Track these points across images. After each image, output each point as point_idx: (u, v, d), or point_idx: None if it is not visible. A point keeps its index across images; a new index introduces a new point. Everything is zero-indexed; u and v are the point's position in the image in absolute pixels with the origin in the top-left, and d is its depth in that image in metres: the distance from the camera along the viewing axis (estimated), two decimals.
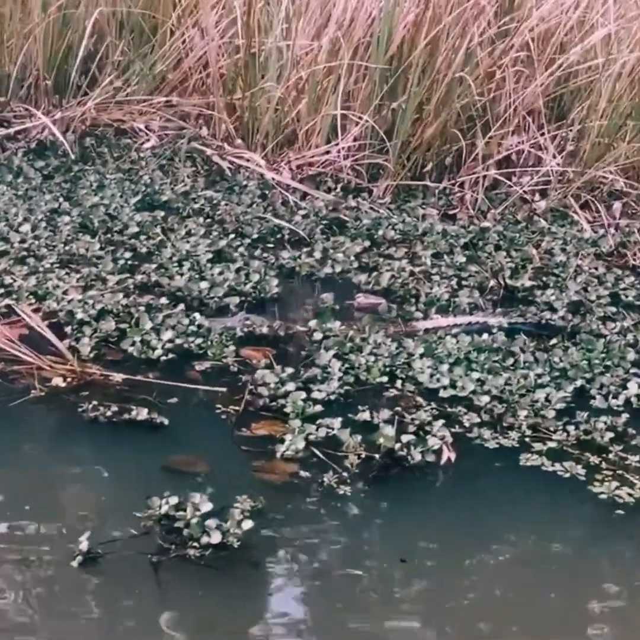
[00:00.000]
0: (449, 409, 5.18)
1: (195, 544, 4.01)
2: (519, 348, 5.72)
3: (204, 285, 6.00)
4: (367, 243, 6.95)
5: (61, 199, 7.03)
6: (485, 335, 5.76)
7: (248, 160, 7.98)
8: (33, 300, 5.63)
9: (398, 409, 5.09)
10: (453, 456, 4.71)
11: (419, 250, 6.94)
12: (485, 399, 5.25)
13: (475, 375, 5.42)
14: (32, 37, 8.39)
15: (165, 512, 4.10)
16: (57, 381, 4.94)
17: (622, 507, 4.58)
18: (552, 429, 5.08)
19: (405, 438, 4.77)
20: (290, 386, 5.08)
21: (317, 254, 6.70)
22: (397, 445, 4.73)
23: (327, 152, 8.08)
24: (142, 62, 8.40)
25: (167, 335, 5.41)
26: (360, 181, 7.96)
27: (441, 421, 5.00)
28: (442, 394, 5.28)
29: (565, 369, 5.55)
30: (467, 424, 5.05)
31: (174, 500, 4.13)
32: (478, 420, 5.11)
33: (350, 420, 4.94)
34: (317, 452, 4.67)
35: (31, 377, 4.94)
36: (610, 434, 5.04)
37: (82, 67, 8.33)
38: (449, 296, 6.31)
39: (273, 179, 7.73)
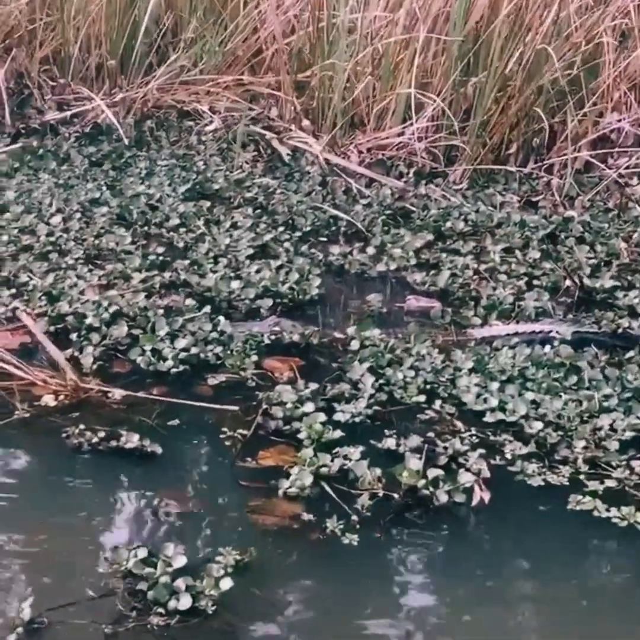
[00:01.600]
0: (491, 437, 4.42)
1: (161, 609, 3.35)
2: (587, 363, 4.90)
3: (235, 285, 5.34)
4: (430, 236, 6.17)
5: (104, 188, 6.46)
6: (547, 347, 4.93)
7: (311, 145, 7.24)
8: (44, 302, 5.03)
9: (431, 435, 4.35)
10: (487, 496, 3.96)
11: (488, 245, 6.14)
12: (538, 425, 4.46)
13: (530, 396, 4.63)
14: (96, 15, 7.81)
15: (130, 568, 3.45)
16: (48, 399, 4.36)
17: None
18: (613, 464, 4.26)
19: (432, 473, 4.02)
20: (309, 407, 4.36)
21: (371, 250, 5.97)
22: (422, 482, 3.97)
23: (401, 134, 7.31)
24: (212, 39, 7.72)
25: (182, 343, 4.76)
26: (436, 165, 7.18)
27: (479, 451, 4.24)
28: (488, 417, 4.52)
29: (639, 390, 4.69)
30: (509, 456, 4.27)
31: (143, 552, 3.47)
32: (525, 451, 4.32)
33: (373, 449, 4.22)
34: (327, 489, 3.97)
35: (19, 394, 4.33)
36: None
37: (148, 46, 7.69)
38: (514, 299, 5.49)
39: (337, 164, 7.00)
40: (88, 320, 4.90)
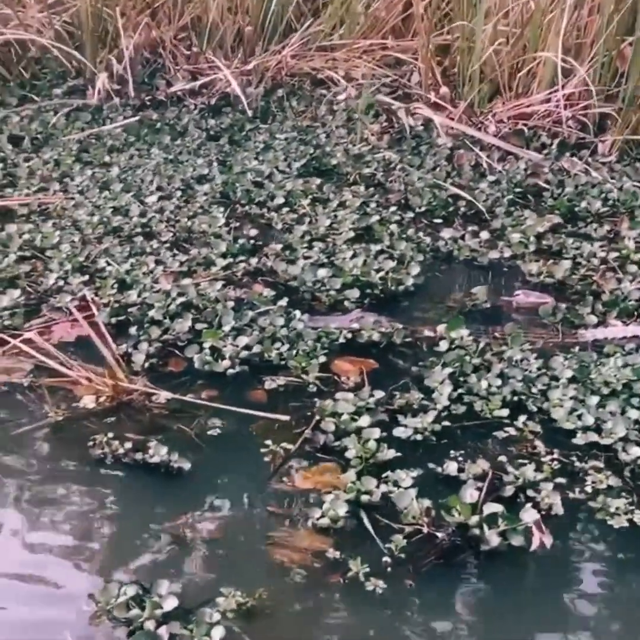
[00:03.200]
0: (577, 463, 3.72)
1: None
2: None
3: (322, 273, 4.78)
4: (558, 219, 5.44)
5: (214, 164, 6.03)
6: None
7: (434, 116, 6.58)
8: (114, 291, 4.63)
9: (503, 458, 3.68)
10: (548, 541, 3.30)
11: (625, 229, 5.34)
12: (636, 451, 3.73)
13: (634, 414, 3.90)
14: None
15: (115, 608, 3.00)
16: (87, 401, 3.96)
17: None
18: None
19: (489, 508, 3.37)
20: (365, 420, 3.79)
21: (486, 234, 5.27)
22: (475, 519, 3.33)
23: (546, 101, 6.53)
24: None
25: (244, 340, 4.26)
26: (584, 135, 6.37)
27: (557, 481, 3.55)
28: (578, 439, 3.81)
29: None
30: (590, 489, 3.55)
31: (132, 590, 3.02)
32: (613, 482, 3.60)
33: (431, 474, 3.61)
34: (366, 522, 3.38)
35: (60, 394, 3.96)
36: None
37: (285, 10, 7.17)
38: None
39: (471, 136, 6.31)
40: (151, 313, 4.46)
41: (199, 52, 7.44)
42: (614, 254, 5.11)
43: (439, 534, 3.32)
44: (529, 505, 3.45)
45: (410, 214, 5.55)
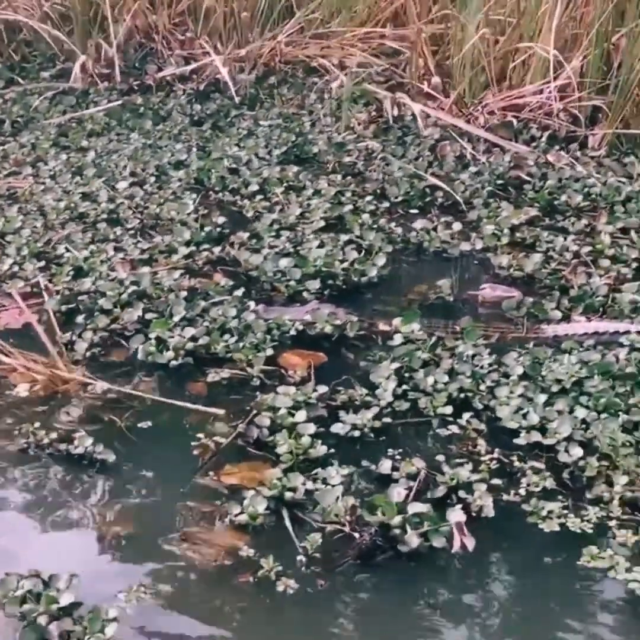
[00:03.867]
0: (516, 464, 3.58)
1: None
2: None
3: (284, 263, 4.68)
4: (535, 211, 5.30)
5: (194, 150, 5.94)
6: (623, 353, 4.03)
7: (431, 106, 6.45)
8: (69, 278, 4.56)
9: (441, 457, 3.56)
10: (470, 543, 3.17)
11: (602, 223, 5.18)
12: (578, 452, 3.60)
13: (581, 413, 3.76)
14: None
15: (9, 602, 2.93)
16: (21, 389, 3.89)
17: None
18: None
19: (414, 508, 3.25)
20: (301, 415, 3.68)
21: (459, 225, 5.14)
22: (398, 520, 3.22)
23: (539, 92, 6.37)
24: None
25: (190, 331, 4.16)
26: (575, 128, 6.21)
27: (492, 483, 3.43)
28: (521, 438, 3.68)
29: None
30: (525, 491, 3.43)
31: (30, 583, 2.94)
32: (549, 484, 3.47)
33: (364, 472, 3.50)
34: (286, 519, 3.28)
35: None
36: None
37: None
38: (608, 290, 4.56)
39: (457, 127, 6.18)
40: (101, 301, 4.38)
41: (193, 37, 7.35)
42: (588, 249, 4.98)
43: (359, 534, 3.19)
44: (457, 506, 3.31)
45: (386, 204, 5.44)
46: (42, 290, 4.50)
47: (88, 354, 4.10)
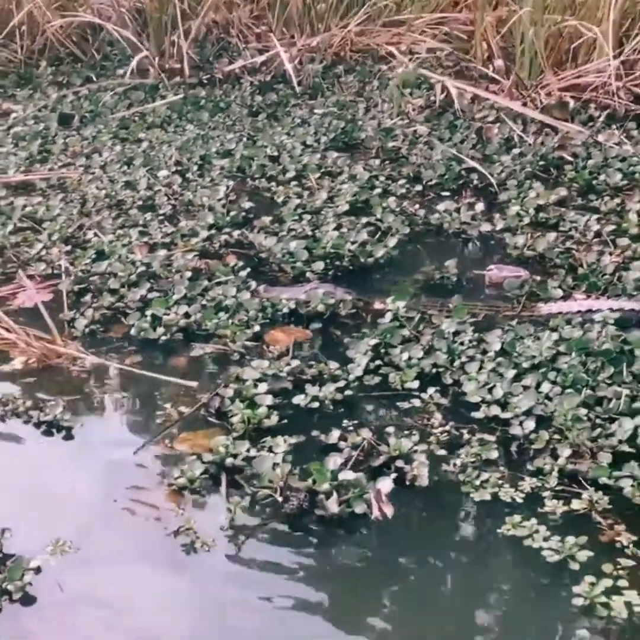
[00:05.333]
0: (465, 436, 3.68)
1: None
2: None
3: (294, 245, 4.88)
4: (564, 192, 5.31)
5: (245, 139, 6.19)
6: (596, 329, 4.06)
7: (492, 90, 6.52)
8: (88, 261, 4.89)
9: (390, 429, 3.70)
10: (389, 510, 3.30)
11: (633, 202, 5.17)
12: (531, 425, 3.67)
13: (546, 388, 3.82)
14: None
15: None
16: (16, 362, 4.22)
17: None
18: (601, 482, 3.41)
19: (344, 476, 3.41)
20: (262, 387, 3.88)
21: (481, 206, 5.22)
22: (325, 486, 3.38)
23: (600, 72, 6.36)
24: None
25: (183, 309, 4.42)
26: (636, 107, 6.18)
27: (437, 454, 3.57)
28: (480, 412, 3.78)
29: None
30: (464, 462, 3.53)
31: None
32: (493, 456, 3.56)
33: (312, 442, 3.67)
34: (223, 484, 3.49)
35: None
36: None
37: None
38: (615, 269, 4.58)
39: (511, 109, 6.24)
40: (110, 281, 4.68)
41: (268, 30, 7.61)
42: (611, 228, 4.96)
43: (287, 499, 3.36)
44: (392, 476, 3.44)
45: (419, 187, 5.56)
46: (62, 273, 4.81)
47: (87, 330, 4.39)
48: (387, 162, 5.82)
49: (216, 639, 2.97)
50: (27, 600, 3.08)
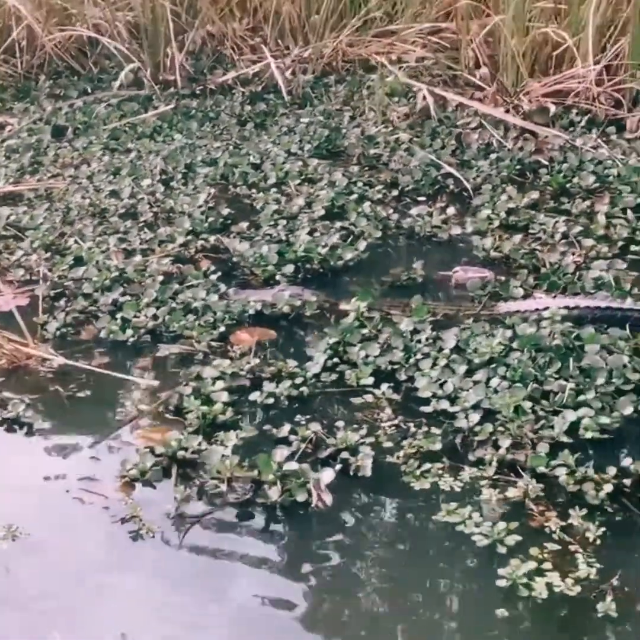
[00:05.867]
0: (412, 429, 3.84)
1: None
2: (600, 347, 4.11)
3: (265, 249, 5.05)
4: (537, 195, 5.47)
5: (230, 148, 6.39)
6: (548, 327, 4.20)
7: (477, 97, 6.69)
8: (66, 267, 5.09)
9: (340, 423, 3.86)
10: (328, 499, 3.46)
11: (602, 204, 5.30)
12: (476, 418, 3.82)
13: (494, 383, 3.97)
14: None
15: None
16: None
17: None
18: (538, 471, 3.56)
19: (288, 467, 3.58)
20: (219, 385, 4.06)
21: (452, 210, 5.39)
22: (270, 477, 3.55)
23: (581, 77, 6.51)
24: None
25: (152, 311, 4.60)
26: (617, 112, 6.33)
27: (382, 446, 3.74)
28: (429, 407, 3.93)
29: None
30: (408, 453, 3.69)
31: None
32: (437, 447, 3.71)
33: (263, 436, 3.84)
34: (173, 476, 3.67)
35: None
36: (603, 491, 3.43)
37: None
38: (576, 268, 4.72)
39: (492, 116, 6.40)
40: (84, 286, 4.87)
41: (262, 42, 7.81)
42: (578, 229, 5.09)
43: (232, 488, 3.53)
44: (337, 466, 3.60)
45: (395, 193, 5.71)
46: (39, 279, 5.00)
47: (59, 333, 4.57)
48: (366, 168, 5.99)
49: (150, 620, 3.11)
50: None
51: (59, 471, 3.74)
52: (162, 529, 3.44)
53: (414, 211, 5.42)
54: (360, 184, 5.78)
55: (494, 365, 4.05)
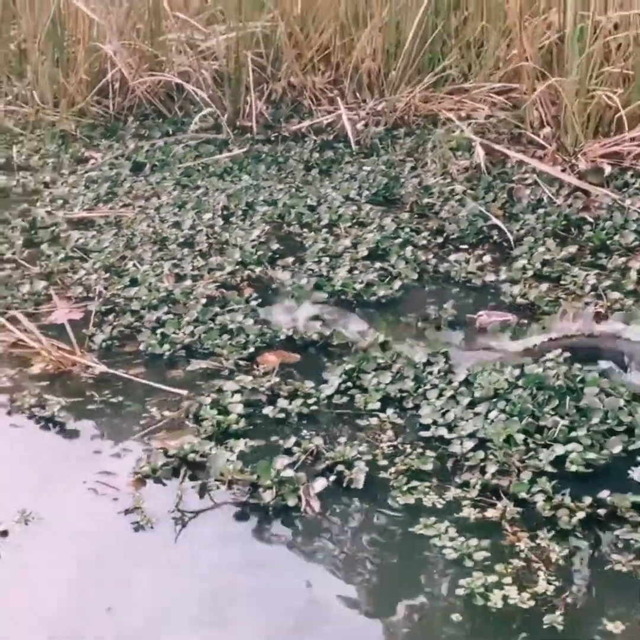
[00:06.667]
0: (408, 450, 4.11)
1: None
2: (599, 388, 4.33)
3: (304, 280, 5.41)
4: (574, 249, 5.75)
5: (292, 190, 6.77)
6: (554, 368, 4.44)
7: (538, 155, 6.98)
8: (121, 286, 5.51)
9: (342, 439, 4.16)
10: (316, 505, 3.75)
11: (638, 261, 5.53)
12: (469, 445, 4.08)
13: (493, 415, 4.23)
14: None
15: None
16: (36, 368, 4.82)
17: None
18: (519, 496, 3.80)
19: (285, 473, 3.88)
20: (237, 397, 4.40)
21: (488, 258, 5.66)
22: (267, 482, 3.86)
23: (637, 139, 6.76)
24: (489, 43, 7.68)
25: (189, 329, 4.98)
26: None
27: (377, 463, 4.02)
28: (428, 432, 4.21)
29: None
30: (399, 471, 3.96)
31: None
32: (427, 467, 3.98)
33: (270, 446, 4.16)
34: (181, 475, 4.01)
35: (21, 360, 4.86)
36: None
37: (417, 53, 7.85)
38: (593, 317, 4.96)
39: (546, 173, 6.67)
40: (133, 304, 5.27)
41: (340, 94, 8.24)
42: (608, 283, 5.32)
43: (231, 489, 3.84)
44: (327, 477, 3.88)
45: (440, 240, 6.00)
46: (95, 296, 5.42)
47: (104, 345, 4.95)
48: (416, 216, 6.29)
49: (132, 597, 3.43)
50: None
51: (81, 465, 4.09)
52: (160, 521, 3.75)
53: (452, 257, 5.69)
54: (407, 229, 6.08)
55: (495, 400, 4.28)
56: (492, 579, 3.40)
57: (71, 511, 3.84)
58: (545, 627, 3.22)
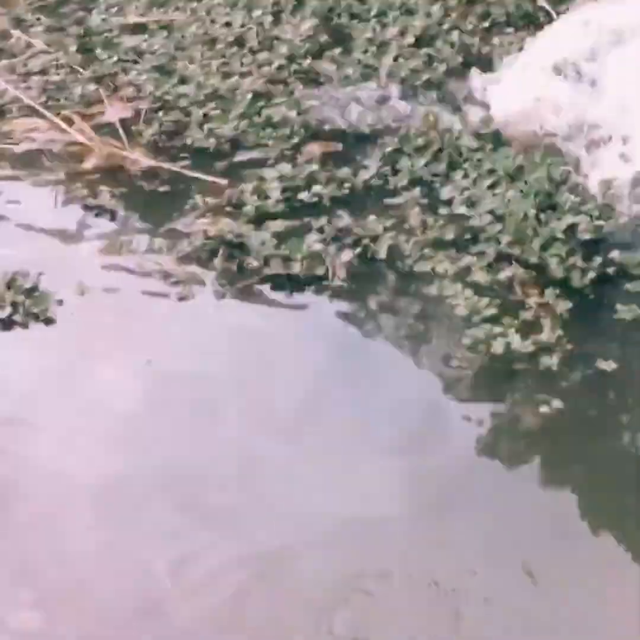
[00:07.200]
0: (429, 222, 4.64)
1: None
2: None
3: (350, 71, 5.86)
4: None
5: None
6: None
7: None
8: (169, 85, 5.99)
9: (372, 217, 4.70)
10: (342, 274, 4.33)
11: None
12: (488, 219, 4.59)
13: (511, 194, 4.70)
14: None
15: None
16: (88, 163, 5.38)
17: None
18: (529, 260, 4.31)
19: (314, 247, 4.47)
20: (276, 184, 4.93)
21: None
22: (298, 256, 4.46)
23: None
24: None
25: (234, 123, 5.48)
26: None
27: (398, 236, 4.54)
28: (451, 209, 4.72)
29: None
30: (419, 241, 4.50)
31: None
32: (448, 237, 4.52)
33: (306, 226, 4.71)
34: (220, 254, 4.61)
35: (73, 156, 5.45)
36: None
37: None
38: None
39: None
40: (180, 101, 5.79)
41: None
42: None
43: (268, 264, 4.45)
44: (353, 249, 4.45)
45: (486, 24, 6.35)
46: (145, 95, 5.95)
47: (152, 139, 5.50)
48: (464, 1, 6.60)
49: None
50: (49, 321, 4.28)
51: (131, 246, 4.72)
52: (203, 291, 4.37)
53: (496, 40, 6.04)
54: (454, 15, 6.40)
55: (516, 182, 4.72)
56: (497, 330, 3.93)
57: (123, 283, 4.47)
58: (540, 368, 3.75)
